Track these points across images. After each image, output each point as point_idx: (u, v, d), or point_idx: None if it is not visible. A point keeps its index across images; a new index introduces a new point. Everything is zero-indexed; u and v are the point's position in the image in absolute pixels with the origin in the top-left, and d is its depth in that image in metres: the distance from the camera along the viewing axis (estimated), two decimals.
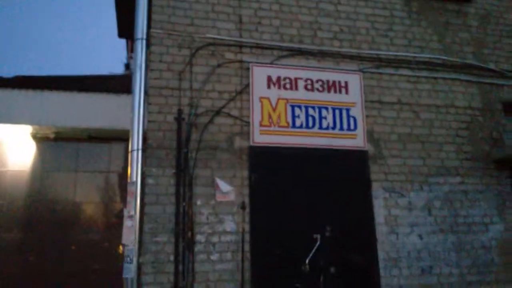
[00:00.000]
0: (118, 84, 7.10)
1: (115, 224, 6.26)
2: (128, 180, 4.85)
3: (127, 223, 4.72)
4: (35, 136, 6.62)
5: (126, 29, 7.42)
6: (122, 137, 5.00)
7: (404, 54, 6.07)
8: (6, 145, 6.59)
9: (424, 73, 6.09)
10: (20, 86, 6.40)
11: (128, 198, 4.78)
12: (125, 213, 4.77)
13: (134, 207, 4.74)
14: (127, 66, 11.62)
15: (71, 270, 6.37)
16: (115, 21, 7.38)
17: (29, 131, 6.53)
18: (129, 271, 4.58)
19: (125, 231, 4.70)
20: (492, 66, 6.44)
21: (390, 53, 6.03)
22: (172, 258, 4.70)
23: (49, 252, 6.42)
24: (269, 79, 5.50)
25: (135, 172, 4.85)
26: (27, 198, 6.52)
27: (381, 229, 5.38)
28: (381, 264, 5.27)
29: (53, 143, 6.68)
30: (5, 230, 6.34)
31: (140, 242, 4.68)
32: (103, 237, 6.70)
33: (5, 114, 6.24)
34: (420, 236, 5.49)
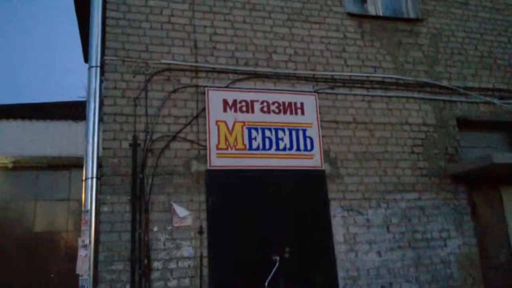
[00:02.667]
0: (80, 111, 7.07)
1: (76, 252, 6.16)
2: (83, 209, 4.80)
3: (81, 252, 4.66)
4: None
5: None
6: (82, 164, 4.96)
7: (358, 74, 6.22)
8: None
9: (378, 92, 6.24)
10: None
11: (82, 227, 4.73)
12: (80, 242, 4.71)
13: (88, 236, 4.68)
14: None
15: None
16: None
17: None
18: None
19: (79, 261, 4.64)
20: (445, 83, 6.64)
21: (344, 73, 6.17)
22: (128, 286, 4.65)
23: (11, 280, 6.28)
24: (225, 102, 5.56)
25: (89, 200, 4.81)
26: None
27: (340, 248, 5.43)
28: (341, 283, 5.29)
29: (12, 172, 6.58)
30: None
31: (95, 271, 4.62)
32: (68, 267, 6.57)
33: None
34: (379, 253, 5.55)
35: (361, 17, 6.56)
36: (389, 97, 6.26)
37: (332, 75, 6.10)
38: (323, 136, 5.77)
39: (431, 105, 6.45)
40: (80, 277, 4.60)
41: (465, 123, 6.59)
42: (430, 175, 6.10)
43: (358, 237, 5.54)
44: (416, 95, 6.41)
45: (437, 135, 6.33)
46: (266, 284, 4.92)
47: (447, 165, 6.21)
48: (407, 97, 6.35)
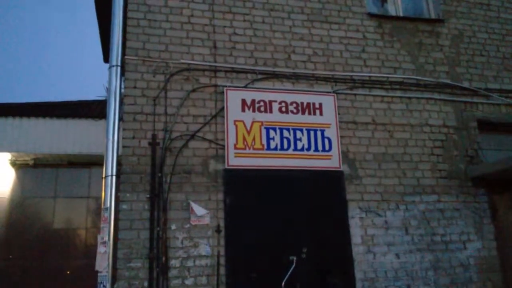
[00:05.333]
0: (99, 110, 7.16)
1: (96, 250, 6.24)
2: (102, 206, 4.86)
3: (100, 249, 4.71)
4: (14, 163, 6.64)
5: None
6: (102, 162, 5.03)
7: (377, 75, 6.18)
8: None
9: (398, 93, 6.19)
10: None
11: (102, 224, 4.79)
12: (99, 239, 4.77)
13: (107, 233, 4.74)
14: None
15: None
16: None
17: (8, 158, 6.54)
18: None
19: (98, 258, 4.70)
20: (466, 84, 6.55)
21: (364, 74, 6.13)
22: (146, 284, 4.69)
23: (29, 278, 6.37)
24: (244, 102, 5.57)
25: (109, 197, 4.87)
26: (6, 225, 6.50)
27: (357, 249, 5.39)
28: (358, 285, 5.26)
29: (33, 169, 6.69)
30: None
31: (114, 268, 4.67)
32: (85, 264, 6.64)
33: None
34: (397, 255, 5.50)
35: (381, 17, 6.52)
36: (409, 98, 6.21)
37: (351, 76, 6.07)
38: (341, 137, 5.74)
39: (451, 106, 6.37)
40: (99, 274, 4.65)
41: (486, 125, 6.49)
42: (450, 177, 6.02)
43: (376, 238, 5.50)
44: (436, 96, 6.34)
45: (458, 137, 6.25)
46: (283, 284, 4.89)
47: (468, 167, 6.12)
48: (427, 98, 6.29)
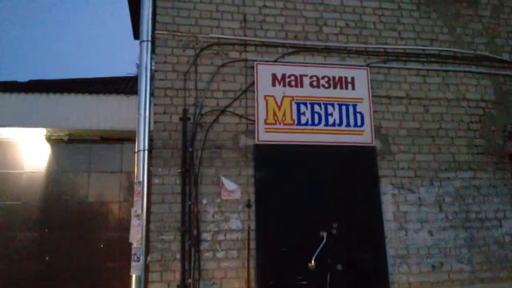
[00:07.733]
0: (130, 86, 7.20)
1: (128, 223, 6.36)
2: (135, 180, 4.93)
3: (134, 222, 4.80)
4: (49, 139, 6.78)
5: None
6: (133, 137, 5.08)
7: (412, 47, 5.98)
8: (22, 148, 6.77)
9: (434, 66, 5.98)
10: (34, 90, 6.56)
11: (135, 198, 4.86)
12: (132, 212, 4.85)
13: (141, 206, 4.81)
14: None
15: (87, 269, 6.50)
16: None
17: (43, 133, 6.68)
18: (137, 269, 4.66)
19: (132, 230, 4.78)
20: (505, 57, 6.27)
21: (398, 46, 5.94)
22: (178, 256, 4.77)
23: (65, 252, 6.56)
24: (274, 77, 5.49)
25: (141, 172, 4.92)
26: (42, 199, 6.68)
27: (389, 226, 5.33)
28: (390, 261, 5.21)
29: (67, 144, 6.83)
30: (21, 231, 6.52)
31: (147, 240, 4.76)
32: (118, 236, 6.79)
33: (20, 118, 6.41)
34: (431, 233, 5.41)
35: None
36: (446, 71, 5.99)
37: (385, 48, 5.89)
38: (374, 112, 5.62)
39: (490, 80, 6.13)
40: (132, 246, 4.75)
41: None
42: (487, 153, 5.84)
43: (408, 215, 5.41)
44: (474, 69, 6.10)
45: (496, 112, 6.03)
46: (313, 259, 4.89)
47: (506, 143, 5.91)
48: (464, 72, 6.06)
